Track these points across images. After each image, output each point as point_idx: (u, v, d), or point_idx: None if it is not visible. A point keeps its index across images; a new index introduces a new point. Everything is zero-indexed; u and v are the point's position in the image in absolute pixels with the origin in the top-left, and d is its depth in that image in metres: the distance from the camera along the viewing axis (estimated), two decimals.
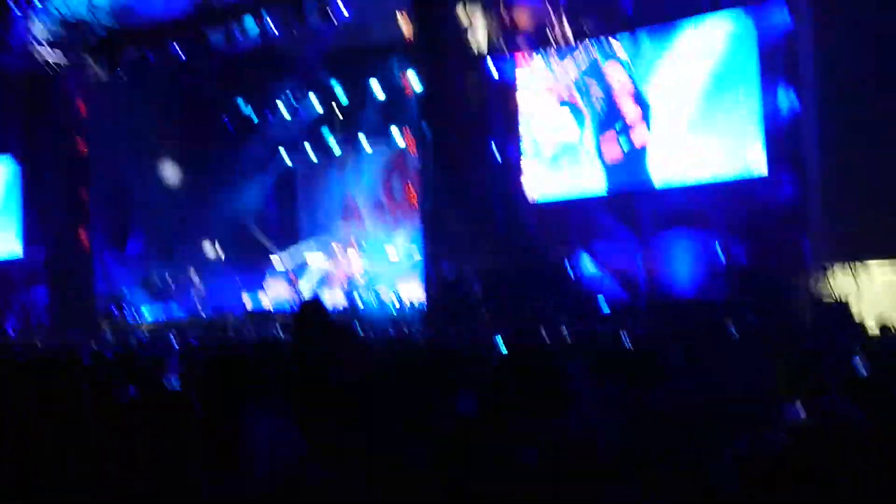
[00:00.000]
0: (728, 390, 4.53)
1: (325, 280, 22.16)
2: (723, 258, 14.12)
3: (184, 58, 20.50)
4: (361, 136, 23.79)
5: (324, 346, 5.29)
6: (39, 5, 21.42)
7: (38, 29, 21.59)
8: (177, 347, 11.98)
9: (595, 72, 15.25)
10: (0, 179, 22.64)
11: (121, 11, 21.40)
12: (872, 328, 10.02)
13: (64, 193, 21.73)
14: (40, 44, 21.56)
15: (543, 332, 10.31)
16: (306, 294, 20.92)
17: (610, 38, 15.12)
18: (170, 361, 7.67)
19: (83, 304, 21.34)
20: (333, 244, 22.86)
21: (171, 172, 24.09)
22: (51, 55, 21.66)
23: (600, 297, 15.06)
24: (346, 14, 18.40)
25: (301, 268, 22.82)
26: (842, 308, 12.82)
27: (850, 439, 2.93)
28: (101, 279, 21.88)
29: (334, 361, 4.87)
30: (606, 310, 14.72)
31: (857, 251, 13.33)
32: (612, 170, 15.25)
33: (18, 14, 21.68)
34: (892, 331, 8.88)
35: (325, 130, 24.29)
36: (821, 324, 12.16)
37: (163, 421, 3.89)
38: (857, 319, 12.34)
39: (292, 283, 21.55)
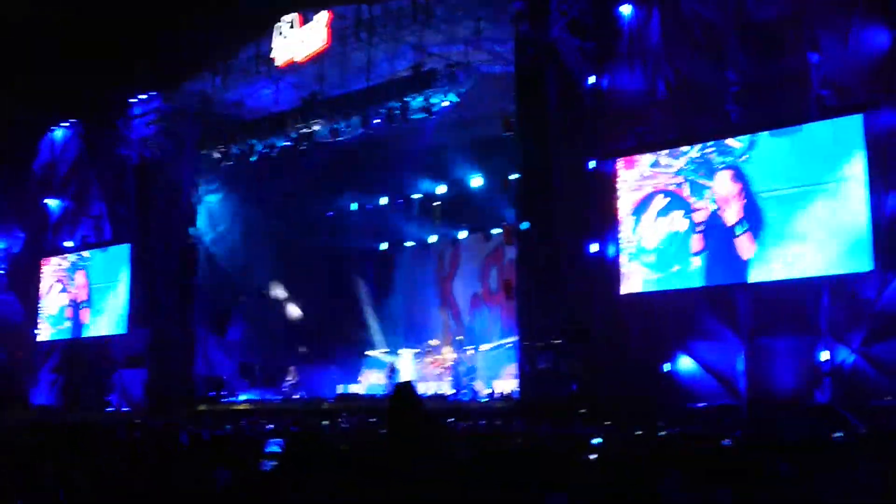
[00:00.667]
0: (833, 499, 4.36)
1: (419, 369, 22.14)
2: (828, 358, 13.61)
3: (289, 148, 21.17)
4: (459, 228, 24.07)
5: (416, 435, 5.27)
6: (155, 98, 22.60)
7: (153, 121, 22.70)
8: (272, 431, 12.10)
9: (700, 170, 15.09)
10: (120, 266, 23.45)
11: (230, 104, 22.39)
12: None
13: (171, 278, 22.52)
14: (154, 135, 22.61)
15: (639, 432, 10.08)
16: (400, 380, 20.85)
17: (717, 140, 14.97)
18: (264, 445, 7.74)
19: (182, 384, 21.87)
20: (430, 338, 22.93)
21: (272, 259, 24.69)
22: (164, 146, 22.65)
23: (698, 396, 14.65)
24: (449, 112, 18.87)
25: (397, 356, 22.88)
26: None
27: None
28: (201, 362, 22.36)
29: (425, 453, 4.85)
30: (704, 410, 14.30)
31: None
32: (712, 265, 14.96)
33: (135, 109, 22.90)
34: None
35: (424, 221, 24.61)
36: None
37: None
38: None
39: (388, 371, 21.59)
